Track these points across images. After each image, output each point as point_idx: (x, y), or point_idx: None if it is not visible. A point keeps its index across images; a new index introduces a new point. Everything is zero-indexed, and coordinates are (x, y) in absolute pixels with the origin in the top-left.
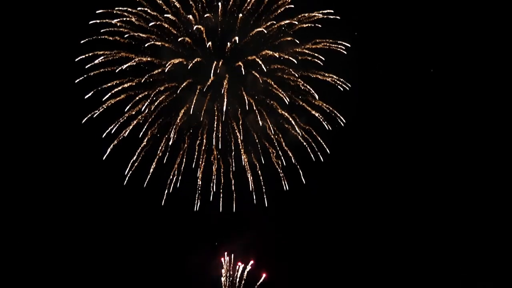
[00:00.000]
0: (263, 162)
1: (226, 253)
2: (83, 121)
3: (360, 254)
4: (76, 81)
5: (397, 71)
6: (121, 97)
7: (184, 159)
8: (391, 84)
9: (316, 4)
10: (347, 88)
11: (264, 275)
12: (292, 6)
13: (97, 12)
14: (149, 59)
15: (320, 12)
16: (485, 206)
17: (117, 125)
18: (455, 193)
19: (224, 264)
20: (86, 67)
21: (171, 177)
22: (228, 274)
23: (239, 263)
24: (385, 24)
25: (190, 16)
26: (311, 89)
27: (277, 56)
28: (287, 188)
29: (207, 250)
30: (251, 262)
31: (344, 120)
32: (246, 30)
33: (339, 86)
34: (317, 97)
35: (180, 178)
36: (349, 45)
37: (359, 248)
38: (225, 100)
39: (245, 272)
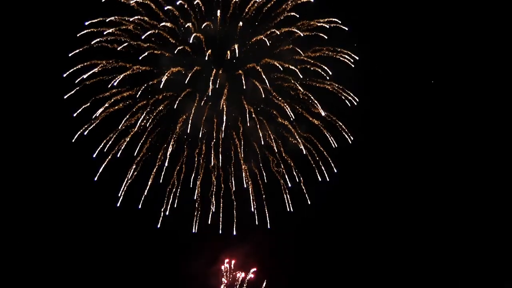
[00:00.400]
0: (266, 180)
1: (226, 260)
2: (74, 139)
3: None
4: (68, 94)
5: (398, 80)
6: (119, 106)
7: (182, 173)
8: (394, 95)
9: (318, 12)
10: (355, 103)
11: (264, 284)
12: (293, 13)
13: (93, 21)
14: (147, 68)
15: (322, 20)
16: (495, 225)
17: (112, 139)
18: (470, 216)
19: (224, 272)
20: (77, 81)
21: (169, 190)
22: (228, 283)
23: (239, 272)
24: (386, 34)
25: (189, 24)
26: (316, 102)
27: (278, 65)
28: (291, 210)
29: (206, 257)
30: (253, 269)
31: (351, 137)
32: (246, 38)
33: (346, 101)
34: (323, 113)
35: (177, 195)
36: (351, 53)
37: (364, 265)
38: (225, 109)
39: (246, 281)
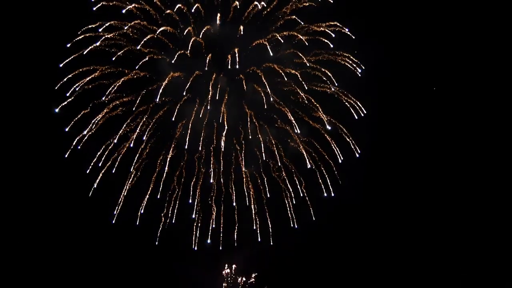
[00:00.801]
0: (269, 195)
1: (226, 265)
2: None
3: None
4: (66, 101)
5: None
6: (117, 111)
7: (182, 179)
8: (399, 103)
9: (318, 15)
10: (362, 114)
11: None
12: (294, 17)
13: (92, 26)
14: (146, 73)
15: (323, 24)
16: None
17: (111, 145)
18: (470, 218)
19: (225, 277)
20: (74, 86)
21: (167, 202)
22: None
23: (241, 278)
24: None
25: (189, 29)
26: (321, 111)
27: (279, 69)
28: (296, 226)
29: (206, 263)
30: (254, 274)
31: (358, 150)
32: (247, 42)
33: (353, 110)
34: (327, 125)
35: (177, 205)
36: (351, 56)
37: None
38: (226, 114)
39: (246, 286)
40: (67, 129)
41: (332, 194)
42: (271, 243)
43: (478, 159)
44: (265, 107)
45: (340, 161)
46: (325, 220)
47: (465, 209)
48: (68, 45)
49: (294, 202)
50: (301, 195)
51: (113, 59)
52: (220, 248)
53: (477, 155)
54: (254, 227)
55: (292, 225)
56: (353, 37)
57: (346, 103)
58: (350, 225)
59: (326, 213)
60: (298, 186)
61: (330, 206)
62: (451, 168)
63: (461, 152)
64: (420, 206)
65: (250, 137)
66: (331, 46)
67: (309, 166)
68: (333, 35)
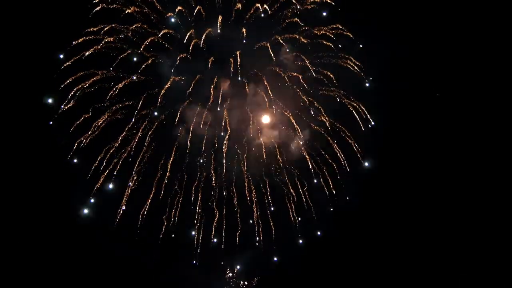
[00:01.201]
0: (273, 208)
1: (228, 269)
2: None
3: None
4: (67, 107)
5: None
6: (116, 116)
7: (184, 183)
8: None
9: (321, 18)
10: (369, 126)
11: None
12: (296, 19)
13: (92, 29)
14: (147, 77)
15: (326, 27)
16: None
17: (111, 151)
18: (472, 220)
19: (227, 281)
20: (73, 91)
21: (166, 216)
22: None
23: (243, 281)
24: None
25: (190, 32)
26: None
27: (281, 72)
28: (301, 242)
29: (209, 266)
30: (256, 278)
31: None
32: (249, 45)
33: (358, 118)
34: (331, 131)
35: (178, 210)
36: (355, 60)
37: None
38: (227, 117)
39: None
40: (67, 132)
41: (336, 200)
42: (275, 259)
43: (487, 166)
44: (266, 103)
45: (346, 170)
46: (329, 227)
47: (479, 221)
48: (68, 48)
49: (299, 219)
50: (304, 200)
51: (114, 64)
52: (222, 251)
53: (485, 162)
54: (257, 239)
55: (295, 227)
56: (357, 42)
57: (350, 107)
58: (355, 233)
59: (330, 221)
60: (300, 190)
61: (335, 214)
62: (460, 177)
63: (466, 159)
64: (434, 217)
65: (252, 140)
66: (334, 49)
67: (315, 181)
68: (333, 35)
